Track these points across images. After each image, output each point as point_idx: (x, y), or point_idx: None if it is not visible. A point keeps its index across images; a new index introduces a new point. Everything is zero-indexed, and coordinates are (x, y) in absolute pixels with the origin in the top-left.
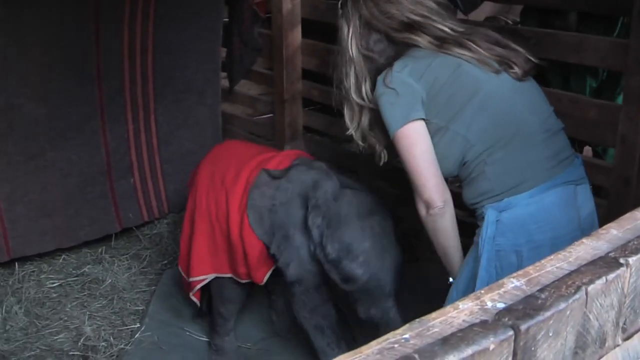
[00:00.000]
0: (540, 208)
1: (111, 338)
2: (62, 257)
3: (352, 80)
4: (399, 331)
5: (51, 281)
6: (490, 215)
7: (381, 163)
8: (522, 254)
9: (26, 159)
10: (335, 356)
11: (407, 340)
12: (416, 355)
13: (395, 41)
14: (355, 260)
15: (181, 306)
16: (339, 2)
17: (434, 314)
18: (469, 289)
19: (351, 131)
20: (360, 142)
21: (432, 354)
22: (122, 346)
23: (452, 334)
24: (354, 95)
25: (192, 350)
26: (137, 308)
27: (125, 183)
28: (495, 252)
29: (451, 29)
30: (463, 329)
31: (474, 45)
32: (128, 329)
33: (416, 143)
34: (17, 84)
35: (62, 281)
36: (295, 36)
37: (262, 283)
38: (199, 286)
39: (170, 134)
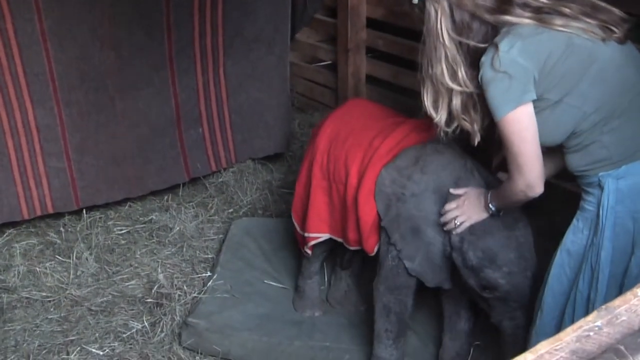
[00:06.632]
0: None
1: (184, 286)
2: (128, 204)
3: (444, 66)
4: (589, 318)
5: (119, 228)
6: (610, 183)
7: (475, 143)
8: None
9: (96, 109)
10: (388, 345)
11: (599, 328)
12: (622, 347)
13: (489, 19)
14: (499, 270)
15: (252, 256)
16: None
17: (617, 301)
18: (586, 257)
19: (437, 117)
20: (444, 127)
21: (637, 346)
22: (195, 294)
23: None
24: (448, 81)
25: (266, 298)
26: (206, 256)
27: (194, 133)
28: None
29: None
30: None
31: (573, 13)
32: (199, 277)
33: (528, 127)
34: (88, 35)
35: (130, 228)
36: None
37: (373, 253)
38: (312, 242)
39: (238, 85)
